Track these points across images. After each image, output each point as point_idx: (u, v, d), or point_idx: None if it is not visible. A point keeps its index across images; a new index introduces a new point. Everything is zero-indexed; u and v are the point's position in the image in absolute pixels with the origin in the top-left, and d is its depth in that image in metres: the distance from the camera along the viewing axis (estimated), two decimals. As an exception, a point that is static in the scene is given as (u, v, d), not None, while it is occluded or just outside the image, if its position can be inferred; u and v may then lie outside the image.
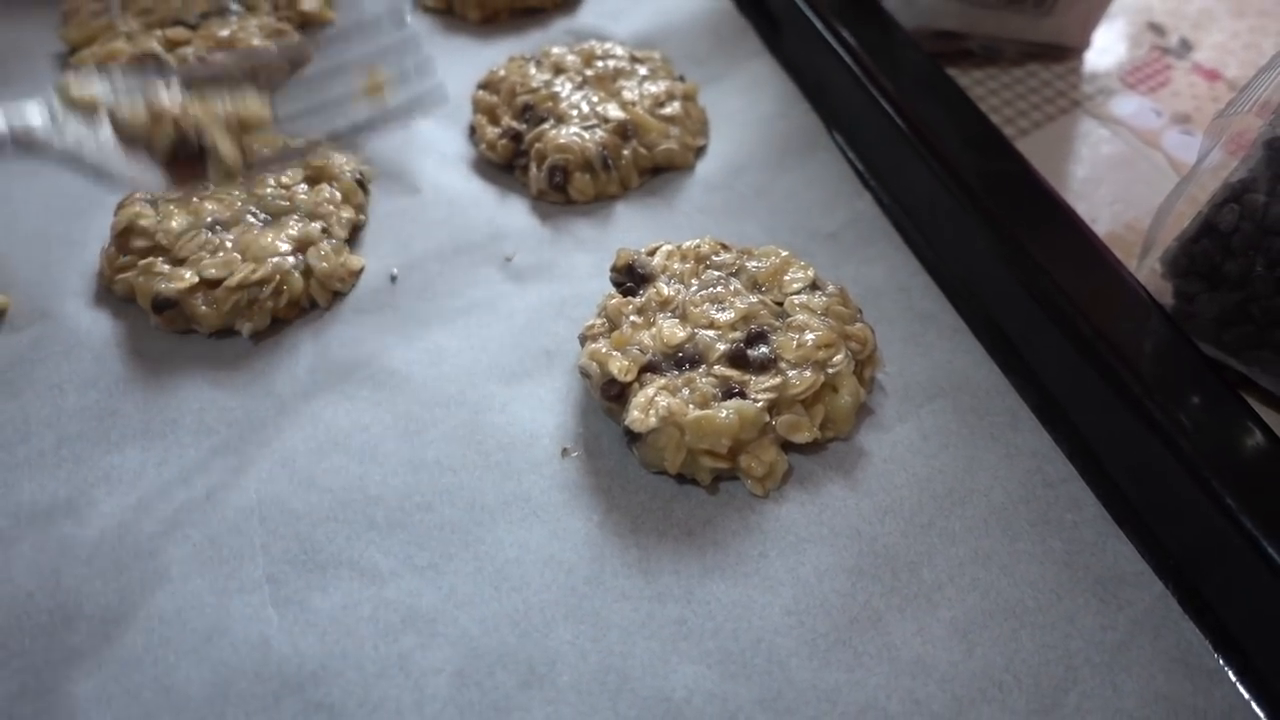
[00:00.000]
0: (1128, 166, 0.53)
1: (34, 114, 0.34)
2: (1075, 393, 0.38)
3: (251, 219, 0.44)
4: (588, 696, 0.31)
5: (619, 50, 0.54)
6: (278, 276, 0.42)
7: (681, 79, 0.54)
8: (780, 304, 0.40)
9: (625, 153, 0.49)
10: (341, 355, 0.42)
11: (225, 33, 0.55)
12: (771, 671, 0.32)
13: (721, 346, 0.38)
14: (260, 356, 0.42)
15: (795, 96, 0.54)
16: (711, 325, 0.39)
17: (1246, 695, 0.31)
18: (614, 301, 0.40)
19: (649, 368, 0.38)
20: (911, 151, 0.46)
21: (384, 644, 0.33)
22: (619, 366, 0.37)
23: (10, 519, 0.36)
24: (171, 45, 0.53)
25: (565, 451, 0.38)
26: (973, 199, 0.43)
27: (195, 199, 0.45)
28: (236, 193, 0.45)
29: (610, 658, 0.32)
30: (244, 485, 0.37)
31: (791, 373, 0.37)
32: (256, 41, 0.54)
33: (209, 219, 0.44)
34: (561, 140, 0.48)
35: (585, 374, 0.39)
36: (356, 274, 0.45)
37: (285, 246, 0.43)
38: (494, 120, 0.51)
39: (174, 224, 0.44)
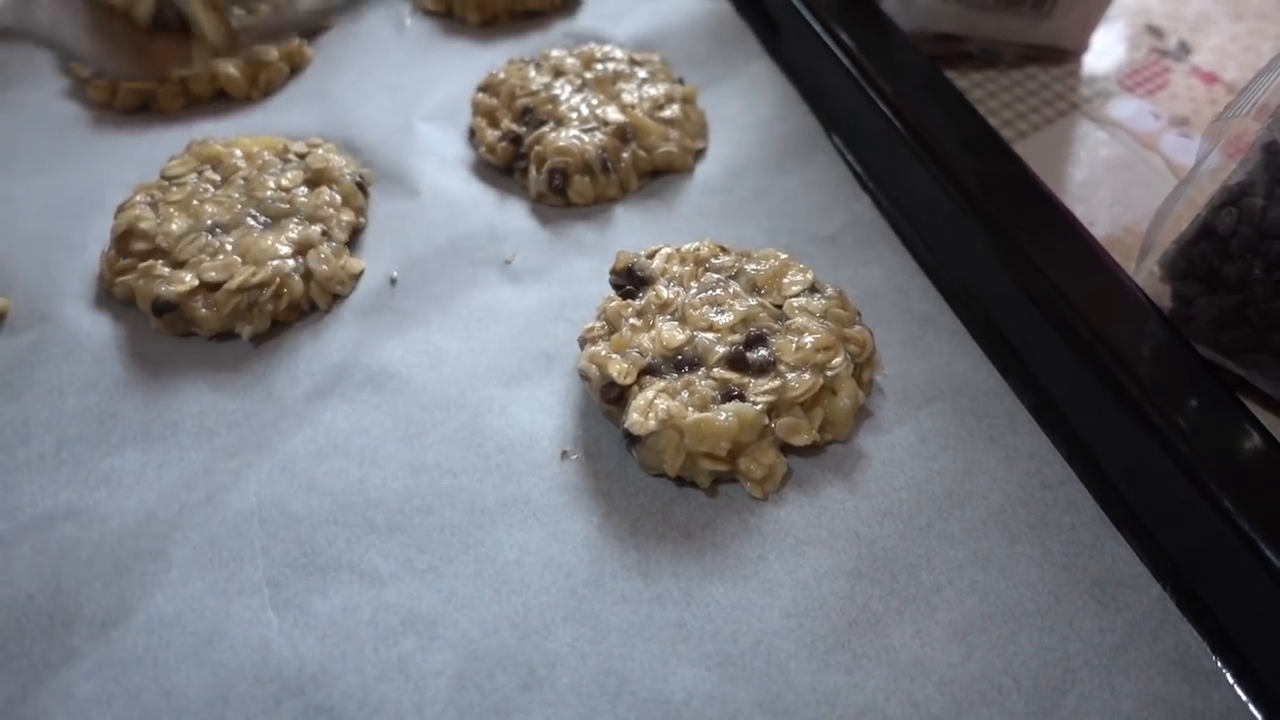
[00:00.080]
0: (1126, 169, 0.53)
1: None
2: (1074, 395, 0.38)
3: (251, 222, 0.44)
4: (587, 699, 0.31)
5: (618, 53, 0.54)
6: (278, 279, 0.42)
7: (681, 82, 0.54)
8: (779, 307, 0.40)
9: (625, 155, 0.49)
10: (341, 358, 0.42)
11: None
12: (770, 674, 0.32)
13: (721, 349, 0.38)
14: (260, 359, 0.42)
15: (794, 99, 0.54)
16: (711, 328, 0.39)
17: (1244, 697, 0.31)
18: (613, 304, 0.40)
19: (648, 370, 0.38)
20: (910, 154, 0.46)
21: (384, 647, 0.33)
22: (618, 369, 0.38)
23: (10, 521, 0.36)
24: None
25: (565, 454, 0.38)
26: (971, 201, 0.43)
27: (195, 201, 0.45)
28: (235, 195, 0.45)
29: (610, 660, 0.32)
30: (244, 488, 0.37)
31: (790, 375, 0.37)
32: (256, 45, 0.54)
33: (209, 222, 0.44)
34: (561, 143, 0.48)
35: (585, 377, 0.39)
36: (356, 277, 0.45)
37: (285, 249, 0.43)
38: (493, 123, 0.51)
39: (174, 227, 0.44)
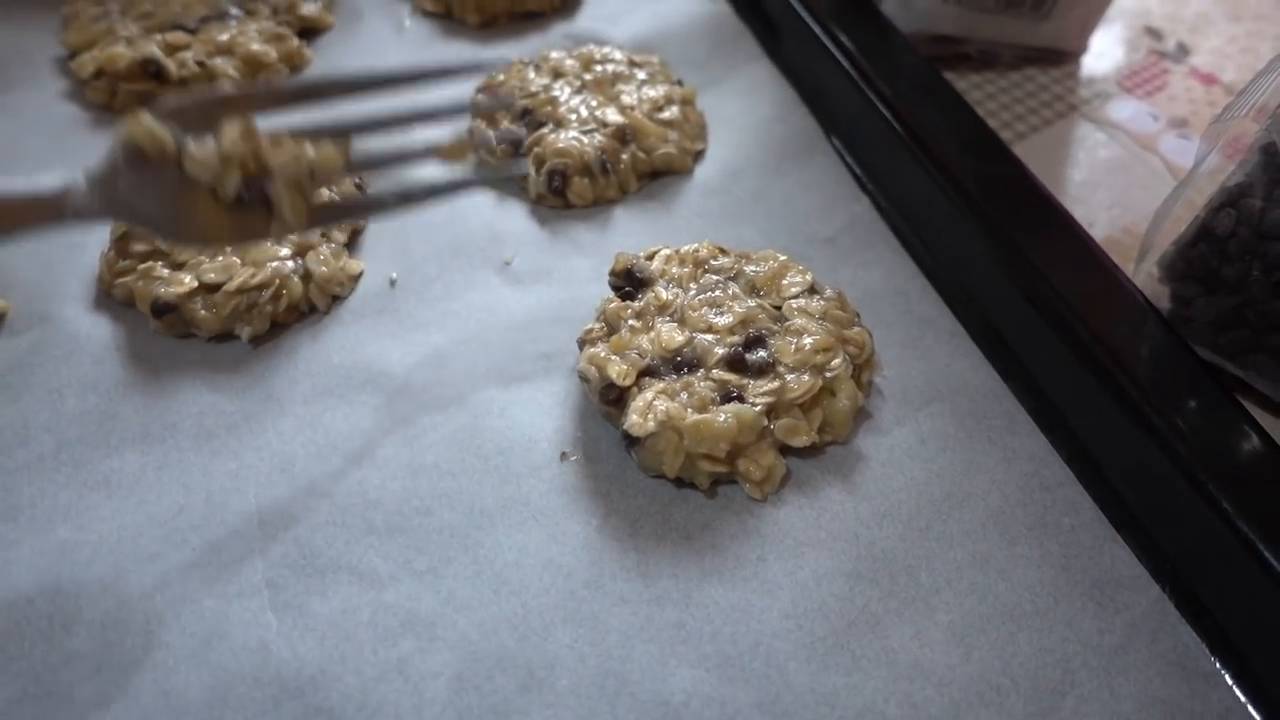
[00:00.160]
0: (1125, 171, 0.53)
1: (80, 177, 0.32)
2: (1073, 396, 0.38)
3: (251, 223, 0.44)
4: (586, 700, 0.31)
5: (617, 54, 0.54)
6: (277, 281, 0.42)
7: (680, 83, 0.54)
8: (778, 308, 0.40)
9: (624, 157, 0.49)
10: (340, 359, 0.42)
11: (224, 37, 0.55)
12: (770, 675, 0.32)
13: (720, 350, 0.38)
14: (259, 361, 0.42)
15: (793, 101, 0.54)
16: (710, 329, 0.39)
17: (1243, 698, 0.31)
18: (612, 306, 0.40)
19: (647, 372, 0.38)
20: (909, 156, 0.46)
21: (383, 648, 0.33)
22: (617, 370, 0.38)
23: (10, 523, 0.36)
24: (171, 50, 0.53)
25: (564, 455, 0.38)
26: (970, 203, 0.43)
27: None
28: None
29: (609, 661, 0.32)
30: (243, 490, 0.37)
31: (789, 377, 0.37)
32: (256, 47, 0.55)
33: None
34: (560, 144, 0.48)
35: (584, 378, 0.39)
36: (355, 278, 0.45)
37: (285, 251, 0.43)
38: (493, 124, 0.51)
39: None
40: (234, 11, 0.57)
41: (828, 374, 0.38)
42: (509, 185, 0.50)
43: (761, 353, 0.38)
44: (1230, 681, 0.32)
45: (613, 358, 0.38)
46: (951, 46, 0.58)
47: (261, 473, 0.38)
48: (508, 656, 0.33)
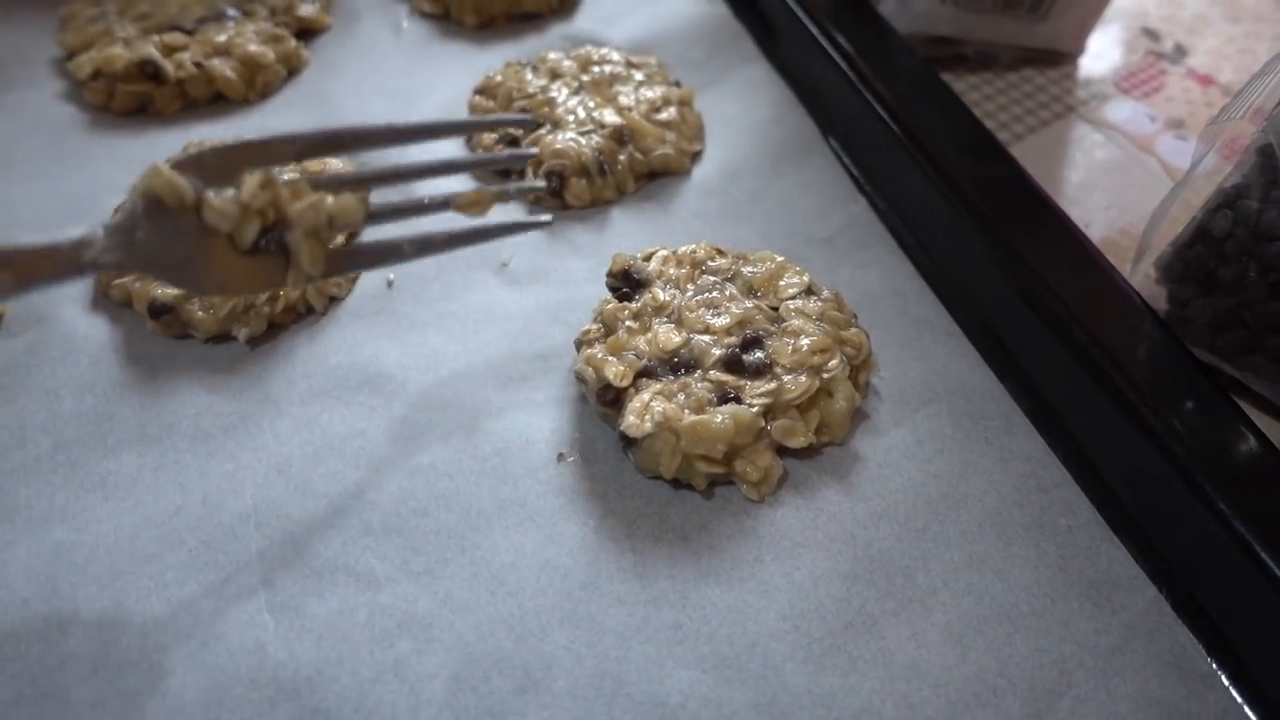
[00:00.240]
0: (1122, 172, 0.53)
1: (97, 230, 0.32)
2: (1070, 397, 0.38)
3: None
4: (583, 701, 0.31)
5: (615, 56, 0.54)
6: (274, 282, 0.42)
7: (677, 84, 0.54)
8: (775, 309, 0.40)
9: (621, 158, 0.49)
10: (338, 361, 0.42)
11: (222, 38, 0.55)
12: (767, 676, 0.32)
13: (717, 351, 0.38)
14: (256, 362, 0.42)
15: (791, 102, 0.54)
16: (707, 330, 0.39)
17: (1240, 699, 0.32)
18: (610, 307, 0.40)
19: (644, 373, 0.38)
20: (906, 157, 0.46)
21: (379, 649, 0.33)
22: (614, 371, 0.38)
23: (6, 524, 0.36)
24: (169, 51, 0.53)
25: (561, 456, 0.38)
26: (967, 204, 0.43)
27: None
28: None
29: (606, 663, 0.32)
30: (240, 491, 0.37)
31: (787, 378, 0.37)
32: (253, 48, 0.55)
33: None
34: (558, 146, 0.48)
35: (581, 379, 0.39)
36: (353, 280, 0.45)
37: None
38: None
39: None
40: (231, 12, 0.57)
41: (825, 375, 0.38)
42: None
43: (759, 354, 0.38)
44: (1227, 682, 0.32)
45: (610, 359, 0.38)
46: (949, 47, 0.58)
47: (258, 474, 0.38)
48: (504, 658, 0.33)
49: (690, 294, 0.41)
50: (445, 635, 0.33)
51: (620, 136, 0.49)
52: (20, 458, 0.38)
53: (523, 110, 0.51)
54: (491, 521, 0.36)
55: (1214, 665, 0.32)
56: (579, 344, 0.40)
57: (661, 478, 0.37)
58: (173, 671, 0.32)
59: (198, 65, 0.53)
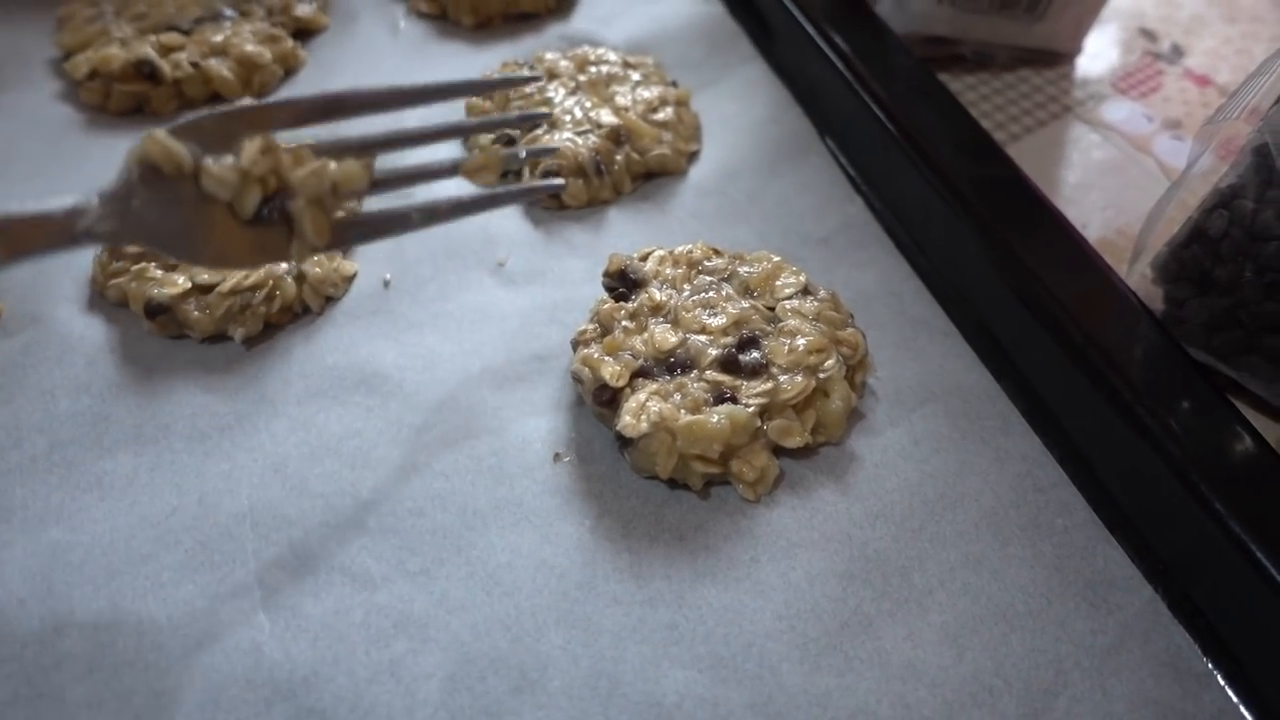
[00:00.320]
0: (1119, 172, 0.53)
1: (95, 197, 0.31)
2: (1066, 397, 0.38)
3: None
4: (579, 702, 0.31)
5: (612, 56, 0.54)
6: (270, 281, 0.42)
7: (674, 84, 0.54)
8: (772, 309, 0.40)
9: (618, 158, 0.49)
10: (334, 360, 0.42)
11: (219, 38, 0.55)
12: (763, 676, 0.32)
13: (713, 351, 0.38)
14: (253, 362, 0.42)
15: (787, 102, 0.54)
16: (703, 330, 0.39)
17: (1236, 699, 0.32)
18: (606, 307, 0.40)
19: (641, 373, 0.38)
20: (903, 157, 0.46)
21: (375, 649, 0.33)
22: (611, 372, 0.38)
23: (2, 525, 0.36)
24: (165, 51, 0.53)
25: (557, 456, 0.38)
26: (964, 204, 0.43)
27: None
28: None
29: (601, 663, 0.32)
30: (236, 491, 0.37)
31: (783, 378, 0.37)
32: (250, 48, 0.54)
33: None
34: (555, 145, 0.48)
35: (577, 379, 0.39)
36: (349, 279, 0.45)
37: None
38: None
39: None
40: (228, 12, 0.57)
41: (821, 375, 0.38)
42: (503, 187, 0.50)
43: (755, 354, 0.38)
44: (1223, 682, 0.32)
45: (606, 359, 0.38)
46: (946, 48, 0.58)
47: (254, 474, 0.38)
48: (500, 658, 0.33)
49: (686, 294, 0.41)
50: (441, 635, 0.33)
51: (617, 136, 0.49)
52: (16, 458, 0.38)
53: (520, 111, 0.51)
54: (488, 521, 0.36)
55: (1210, 665, 0.32)
56: (575, 344, 0.40)
57: (658, 478, 0.37)
58: (169, 671, 0.32)
59: (194, 65, 0.53)
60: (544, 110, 0.41)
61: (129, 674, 0.32)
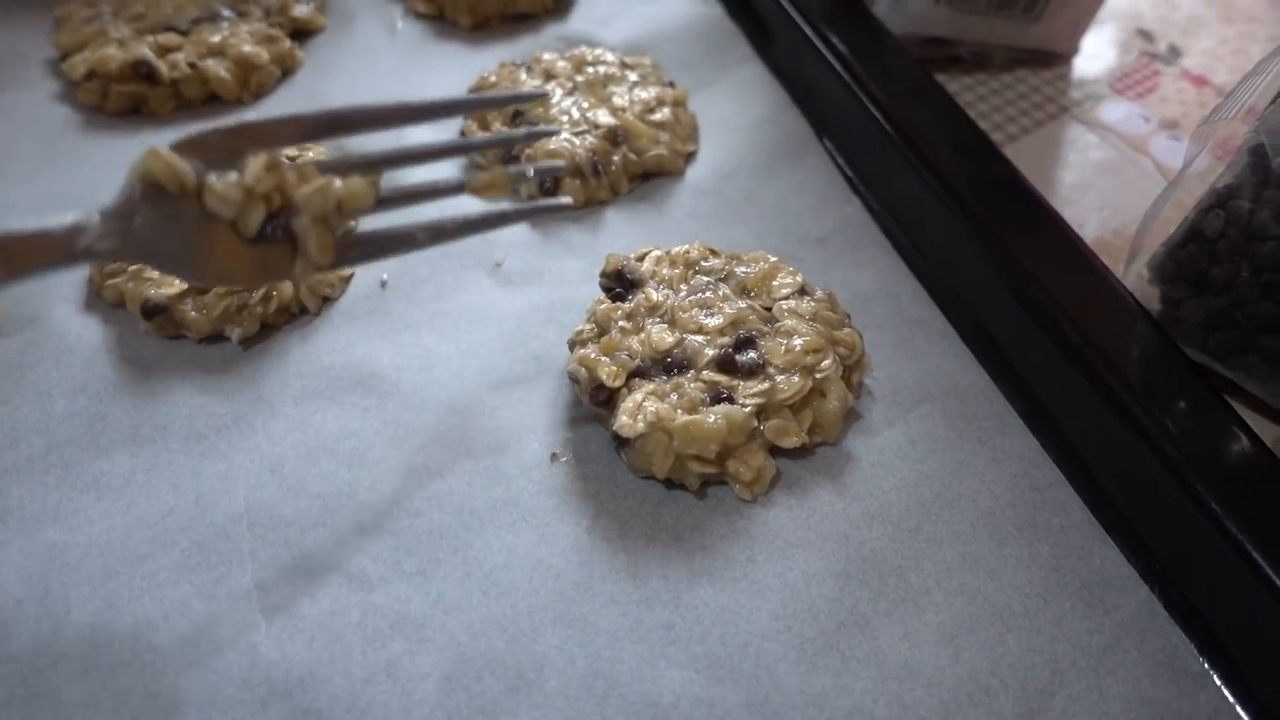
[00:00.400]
0: (1116, 172, 0.53)
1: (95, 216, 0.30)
2: (1063, 398, 0.38)
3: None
4: (575, 701, 0.31)
5: (609, 56, 0.54)
6: (267, 282, 0.42)
7: (671, 85, 0.54)
8: (769, 309, 0.40)
9: (615, 158, 0.49)
10: (331, 361, 0.42)
11: (216, 39, 0.55)
12: (759, 676, 0.32)
13: (710, 352, 0.38)
14: (250, 362, 0.42)
15: (785, 102, 0.54)
16: (700, 330, 0.39)
17: (1232, 699, 0.32)
18: (603, 307, 0.40)
19: (637, 373, 0.38)
20: (900, 157, 0.46)
21: (372, 650, 0.33)
22: (607, 372, 0.38)
23: (-1, 525, 0.36)
24: (163, 51, 0.53)
25: (554, 456, 0.38)
26: (961, 205, 0.43)
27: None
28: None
29: (598, 663, 0.32)
30: (233, 491, 0.37)
31: (780, 378, 0.37)
32: (248, 48, 0.54)
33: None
34: (552, 146, 0.48)
35: (574, 379, 0.39)
36: (346, 280, 0.45)
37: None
38: (485, 126, 0.51)
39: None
40: (226, 13, 0.57)
41: (818, 375, 0.38)
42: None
43: (751, 354, 0.38)
44: (1219, 682, 0.32)
45: (603, 359, 0.38)
46: (943, 48, 0.58)
47: (251, 474, 0.38)
48: (497, 658, 0.33)
49: (683, 294, 0.41)
50: (438, 635, 0.33)
51: (614, 137, 0.49)
52: (13, 458, 0.38)
53: (516, 112, 0.51)
54: (484, 522, 0.36)
55: (1206, 665, 0.32)
56: (572, 344, 0.40)
57: (654, 478, 0.37)
58: (165, 672, 0.32)
59: (192, 66, 0.53)
60: (551, 128, 0.41)
61: (125, 674, 0.32)
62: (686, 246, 0.43)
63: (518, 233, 0.47)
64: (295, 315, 0.44)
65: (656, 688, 0.32)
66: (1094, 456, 0.37)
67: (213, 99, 0.54)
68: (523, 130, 0.46)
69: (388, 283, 0.45)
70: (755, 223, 0.48)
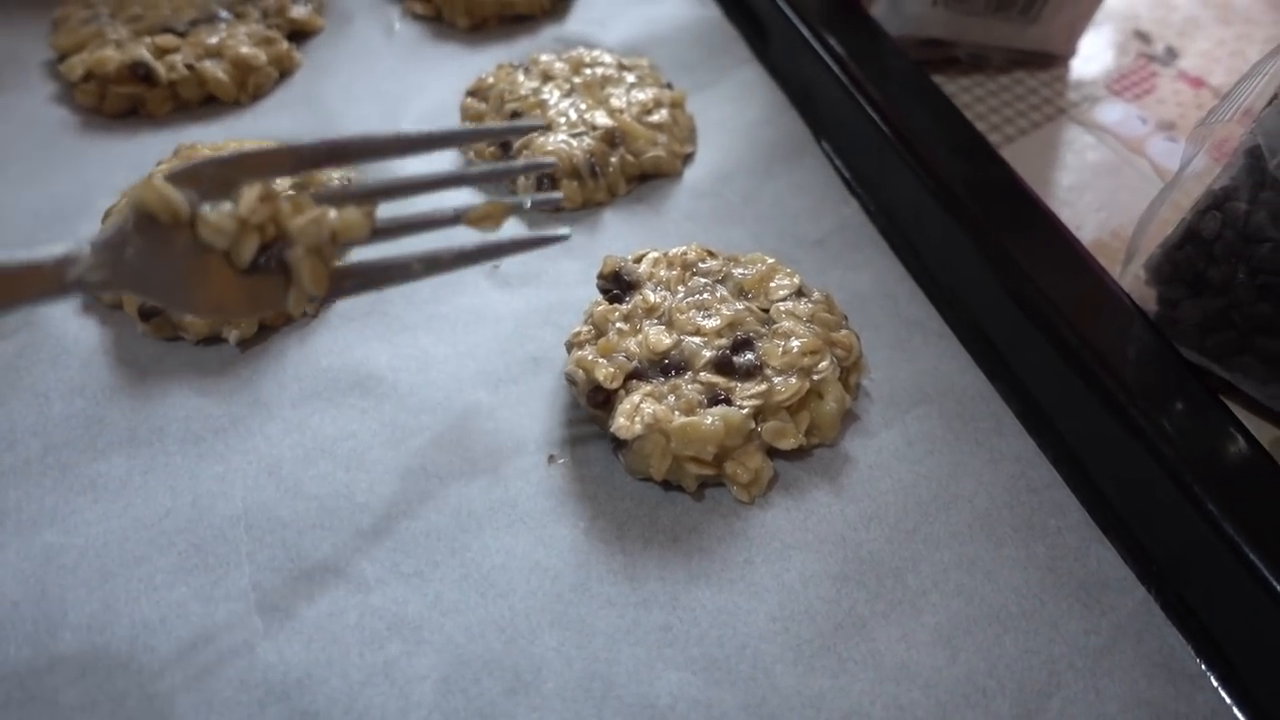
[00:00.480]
0: (1113, 173, 0.53)
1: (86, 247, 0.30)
2: (1060, 399, 0.38)
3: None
4: (572, 703, 0.31)
5: (607, 58, 0.54)
6: (265, 284, 0.42)
7: (669, 86, 0.54)
8: (766, 311, 0.40)
9: (613, 160, 0.49)
10: (328, 362, 0.42)
11: (214, 40, 0.55)
12: (756, 678, 0.32)
13: (707, 353, 0.38)
14: (247, 364, 0.42)
15: (782, 104, 0.54)
16: (697, 332, 0.39)
17: (1228, 700, 0.32)
18: (600, 308, 0.40)
19: (635, 374, 0.38)
20: (898, 159, 0.46)
21: (369, 651, 0.33)
22: (605, 373, 0.38)
23: (-5, 527, 0.36)
24: (160, 53, 0.53)
25: (551, 458, 0.38)
26: (959, 206, 0.43)
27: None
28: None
29: (595, 664, 0.32)
30: (230, 493, 0.37)
31: (777, 379, 0.37)
32: (245, 50, 0.54)
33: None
34: (549, 148, 0.48)
35: (571, 381, 0.39)
36: (344, 281, 0.45)
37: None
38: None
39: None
40: (223, 14, 0.57)
41: (815, 376, 0.38)
42: (498, 188, 0.50)
43: (749, 355, 0.38)
44: (1215, 683, 0.32)
45: (600, 360, 0.38)
46: (940, 50, 0.58)
47: (249, 476, 0.38)
48: (494, 659, 0.33)
49: (681, 296, 0.41)
50: (435, 637, 0.33)
51: (612, 138, 0.49)
52: (10, 460, 0.38)
53: (513, 113, 0.51)
54: (482, 523, 0.36)
55: (1203, 666, 0.32)
56: (570, 346, 0.40)
57: (652, 479, 0.37)
58: (162, 674, 0.32)
59: (189, 67, 0.53)
60: (549, 160, 0.41)
61: (122, 677, 0.32)
62: (684, 248, 0.43)
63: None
64: (292, 317, 0.43)
65: (654, 689, 0.32)
66: (1091, 457, 0.37)
67: (210, 100, 0.54)
68: (520, 163, 0.45)
69: (385, 284, 0.45)
70: (753, 224, 0.48)
